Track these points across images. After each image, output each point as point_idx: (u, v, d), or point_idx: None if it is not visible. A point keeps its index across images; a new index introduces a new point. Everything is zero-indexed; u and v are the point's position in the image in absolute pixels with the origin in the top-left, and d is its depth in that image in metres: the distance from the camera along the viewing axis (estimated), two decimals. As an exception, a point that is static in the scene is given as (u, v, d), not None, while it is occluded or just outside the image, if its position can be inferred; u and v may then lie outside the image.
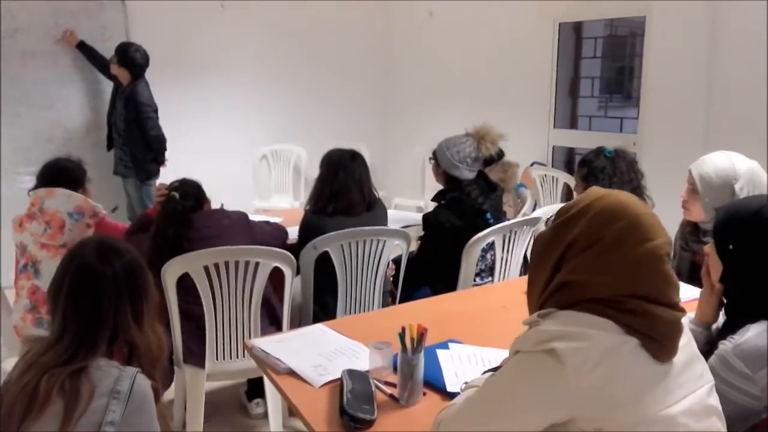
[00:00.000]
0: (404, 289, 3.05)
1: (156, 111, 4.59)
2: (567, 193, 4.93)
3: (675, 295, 1.23)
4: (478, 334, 1.95)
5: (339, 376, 1.65)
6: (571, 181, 4.72)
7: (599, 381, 1.13)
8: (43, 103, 4.87)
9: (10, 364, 1.70)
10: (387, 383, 1.64)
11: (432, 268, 3.02)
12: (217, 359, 2.57)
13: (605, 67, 5.53)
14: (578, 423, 1.16)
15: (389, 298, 3.06)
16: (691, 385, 1.21)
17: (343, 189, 2.90)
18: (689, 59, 4.13)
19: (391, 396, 1.58)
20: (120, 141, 4.69)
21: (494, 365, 1.69)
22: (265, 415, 2.98)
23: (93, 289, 1.45)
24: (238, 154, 5.78)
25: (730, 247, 1.55)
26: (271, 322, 2.70)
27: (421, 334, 1.54)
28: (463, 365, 1.72)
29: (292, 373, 1.71)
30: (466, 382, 1.50)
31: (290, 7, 5.96)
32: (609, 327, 1.17)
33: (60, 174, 2.89)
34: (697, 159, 2.31)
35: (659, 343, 1.18)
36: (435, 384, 1.62)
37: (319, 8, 6.08)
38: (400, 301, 3.05)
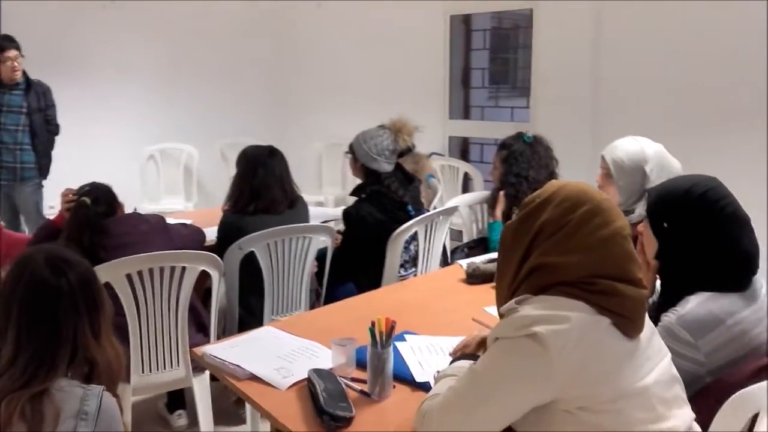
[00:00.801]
0: (328, 285, 3.03)
1: None
2: (465, 182, 5.10)
3: (638, 272, 1.31)
4: (425, 324, 1.98)
5: (304, 377, 1.62)
6: (471, 170, 4.90)
7: (580, 361, 1.19)
8: None
9: None
10: (354, 379, 1.63)
11: (355, 262, 3.01)
12: (143, 372, 2.43)
13: (493, 59, 5.75)
14: (562, 403, 1.21)
15: (314, 295, 3.03)
16: (656, 357, 1.30)
17: (263, 187, 2.82)
18: (575, 50, 4.39)
19: (362, 392, 1.57)
20: (18, 139, 4.33)
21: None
22: (189, 426, 2.88)
23: (48, 305, 1.33)
24: (123, 155, 5.47)
25: (665, 225, 1.66)
26: (198, 329, 2.60)
27: (391, 328, 1.54)
28: (424, 355, 1.74)
29: (253, 378, 1.65)
30: (438, 371, 1.52)
31: (174, 3, 5.71)
32: (583, 308, 1.23)
33: None
34: (608, 145, 2.47)
35: (629, 320, 1.26)
36: (402, 376, 1.62)
37: (205, 3, 5.87)
38: (325, 298, 3.03)
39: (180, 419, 2.88)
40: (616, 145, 2.42)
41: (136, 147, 5.62)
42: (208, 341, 2.56)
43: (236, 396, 2.93)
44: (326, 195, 5.86)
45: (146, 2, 5.56)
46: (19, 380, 1.29)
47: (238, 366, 1.68)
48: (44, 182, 4.55)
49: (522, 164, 2.89)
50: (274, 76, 6.59)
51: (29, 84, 4.37)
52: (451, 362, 1.54)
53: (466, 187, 5.18)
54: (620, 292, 1.25)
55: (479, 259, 2.51)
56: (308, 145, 6.08)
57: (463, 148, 5.58)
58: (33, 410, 1.25)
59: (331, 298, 3.03)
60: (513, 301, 1.29)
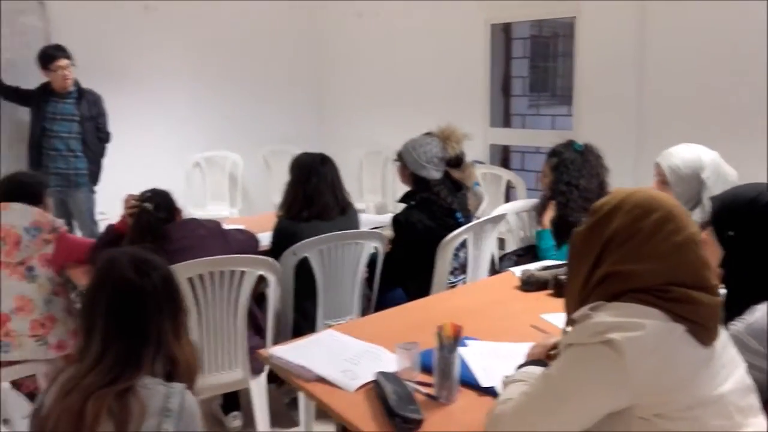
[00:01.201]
0: (378, 291, 3.07)
1: None
2: (508, 190, 5.11)
3: (712, 278, 1.31)
4: (483, 330, 2.00)
5: (371, 380, 1.66)
6: (514, 178, 4.90)
7: (655, 368, 1.20)
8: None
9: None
10: (419, 383, 1.66)
11: (405, 269, 3.04)
12: (203, 373, 2.49)
13: (532, 67, 5.76)
14: (638, 410, 1.22)
15: (365, 301, 3.07)
16: (731, 366, 1.30)
17: (316, 193, 2.88)
18: (618, 57, 4.37)
19: (429, 395, 1.60)
20: (71, 146, 4.48)
21: (516, 359, 1.75)
22: (243, 427, 2.94)
23: (134, 305, 1.39)
24: (170, 162, 5.58)
25: (730, 233, 1.67)
26: (255, 331, 2.66)
27: (458, 332, 1.57)
28: (486, 360, 1.77)
29: (320, 380, 1.70)
30: (506, 376, 1.54)
31: (218, 11, 5.84)
32: (658, 315, 1.24)
33: (17, 189, 2.72)
34: (663, 152, 2.47)
35: (704, 327, 1.26)
36: (467, 380, 1.65)
37: (245, 11, 5.98)
38: (376, 304, 3.07)
39: (235, 420, 2.94)
40: (672, 153, 2.42)
41: (183, 154, 5.74)
42: (264, 344, 2.62)
43: (289, 398, 3.01)
44: (367, 202, 5.90)
45: (191, 11, 5.69)
46: (106, 377, 1.34)
47: (304, 367, 1.73)
48: (95, 188, 4.70)
49: (573, 172, 2.89)
50: (315, 85, 6.68)
51: (81, 93, 4.51)
52: (518, 368, 1.56)
53: (508, 196, 5.18)
54: (695, 300, 1.25)
55: (533, 267, 2.52)
56: (349, 153, 6.12)
57: (504, 156, 5.58)
58: (120, 407, 1.31)
59: (381, 303, 3.07)
60: (586, 307, 1.30)
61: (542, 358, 1.59)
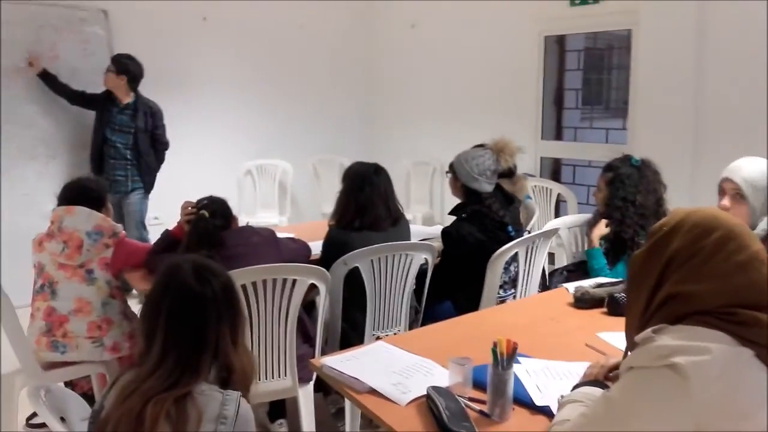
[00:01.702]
0: (426, 303, 3.05)
1: None
2: (558, 204, 5.03)
3: None
4: (535, 347, 1.96)
5: (422, 394, 1.65)
6: (565, 192, 4.83)
7: (722, 393, 1.16)
8: (27, 119, 4.71)
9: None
10: (471, 399, 1.64)
11: (454, 282, 3.02)
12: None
13: (586, 80, 5.67)
14: None
15: (413, 313, 3.06)
16: None
17: (368, 203, 2.89)
18: (676, 70, 4.28)
19: (481, 412, 1.58)
20: (126, 156, 4.68)
21: (571, 378, 1.72)
22: (289, 435, 2.96)
23: (194, 312, 1.41)
24: (222, 169, 5.70)
25: None
26: (304, 339, 2.67)
27: (513, 349, 1.55)
28: (540, 379, 1.74)
29: (372, 392, 1.69)
30: (563, 396, 1.51)
31: (273, 21, 5.95)
32: (724, 339, 1.19)
33: (81, 193, 2.81)
34: (729, 166, 2.38)
35: None
36: (521, 399, 1.62)
37: (302, 22, 6.08)
38: (424, 316, 3.06)
39: (281, 428, 2.95)
40: (741, 166, 2.34)
41: (235, 162, 5.85)
42: (313, 352, 2.63)
43: (335, 408, 3.01)
44: (414, 213, 5.90)
45: (246, 22, 5.80)
46: (165, 382, 1.37)
47: (356, 379, 1.73)
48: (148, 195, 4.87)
49: (629, 188, 2.83)
50: (365, 95, 6.74)
51: (138, 105, 4.67)
52: (574, 388, 1.53)
53: (558, 209, 5.11)
54: (762, 323, 1.21)
55: (587, 283, 2.47)
56: (396, 163, 6.12)
57: (554, 170, 5.52)
58: (178, 412, 1.33)
59: (429, 316, 3.06)
60: (649, 330, 1.27)
61: (600, 379, 1.55)
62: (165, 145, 4.87)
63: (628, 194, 2.85)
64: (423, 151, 6.22)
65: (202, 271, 1.45)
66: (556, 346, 2.00)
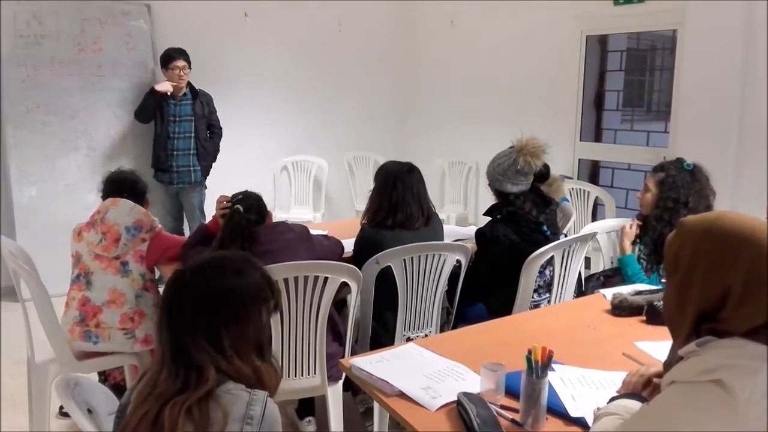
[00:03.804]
0: (458, 305, 3.01)
1: None
2: (595, 207, 4.93)
3: None
4: (571, 354, 1.91)
5: (452, 399, 1.62)
6: (603, 195, 4.73)
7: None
8: (70, 111, 4.81)
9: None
10: (503, 407, 1.60)
11: (487, 284, 2.97)
12: (282, 377, 2.51)
13: (627, 81, 5.54)
14: None
15: (445, 314, 3.02)
16: None
17: (401, 202, 2.85)
18: (722, 73, 4.14)
19: (514, 421, 1.54)
20: (189, 145, 4.86)
21: (607, 388, 1.67)
22: (317, 433, 2.95)
23: (189, 312, 1.39)
24: (259, 165, 5.74)
25: None
26: (334, 338, 2.65)
27: (549, 358, 1.51)
28: (576, 388, 1.69)
29: (401, 395, 1.67)
30: (599, 408, 1.47)
31: (312, 18, 5.95)
32: None
33: (124, 185, 2.86)
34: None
35: None
36: (555, 408, 1.58)
37: (340, 19, 6.07)
38: (455, 318, 3.02)
39: (309, 425, 2.95)
40: None
41: (271, 157, 5.87)
42: (343, 351, 2.62)
43: (364, 407, 2.99)
44: (448, 213, 5.85)
45: (286, 19, 5.83)
46: (174, 384, 1.33)
47: (386, 381, 1.70)
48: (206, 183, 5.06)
49: (682, 190, 2.75)
50: (401, 93, 6.70)
51: (194, 93, 4.88)
52: (610, 400, 1.48)
53: (595, 213, 5.01)
54: None
55: (625, 290, 2.40)
56: (431, 162, 6.10)
57: (592, 172, 5.41)
58: (201, 412, 1.31)
59: (461, 318, 3.02)
60: (694, 343, 1.22)
61: (639, 389, 1.50)
62: (221, 131, 5.10)
63: (680, 196, 2.77)
64: (459, 150, 6.16)
65: (201, 273, 1.42)
66: (592, 354, 1.95)
